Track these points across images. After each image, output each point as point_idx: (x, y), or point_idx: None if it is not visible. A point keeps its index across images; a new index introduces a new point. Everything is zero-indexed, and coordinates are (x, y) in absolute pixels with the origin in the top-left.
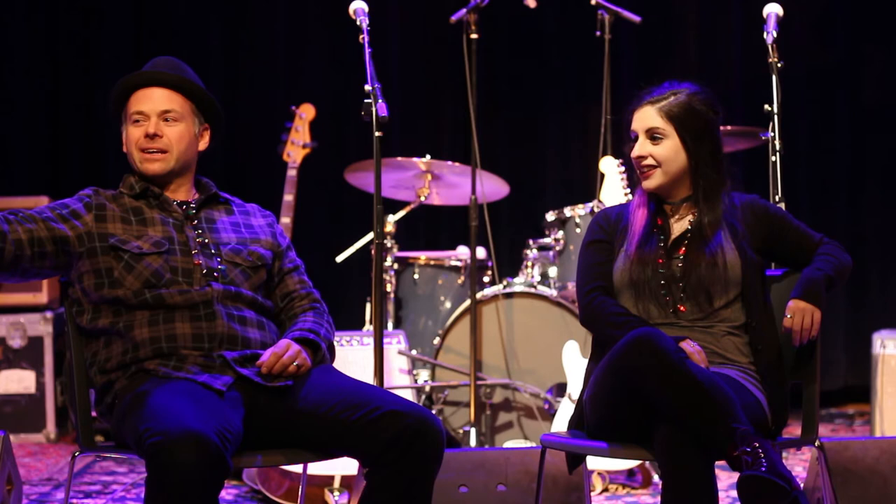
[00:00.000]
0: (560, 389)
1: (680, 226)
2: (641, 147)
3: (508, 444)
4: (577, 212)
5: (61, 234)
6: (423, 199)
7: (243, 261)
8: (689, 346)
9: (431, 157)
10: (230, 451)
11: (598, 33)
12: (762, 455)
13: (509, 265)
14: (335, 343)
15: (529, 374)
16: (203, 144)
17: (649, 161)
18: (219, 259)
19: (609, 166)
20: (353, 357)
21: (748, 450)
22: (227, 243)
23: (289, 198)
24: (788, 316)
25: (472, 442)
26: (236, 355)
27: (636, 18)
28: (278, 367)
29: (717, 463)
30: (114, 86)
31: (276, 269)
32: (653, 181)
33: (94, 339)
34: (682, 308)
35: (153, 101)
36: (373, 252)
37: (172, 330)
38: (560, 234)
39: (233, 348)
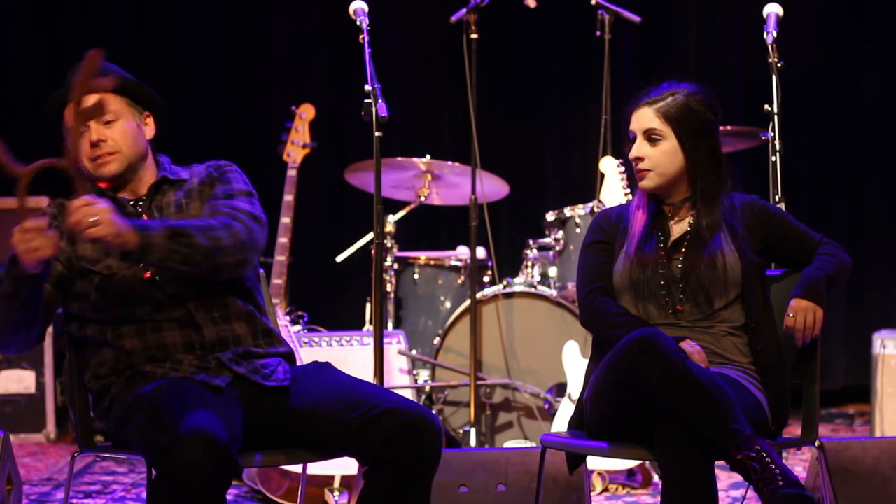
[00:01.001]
0: (560, 389)
1: (679, 227)
2: (638, 148)
3: (508, 444)
4: (577, 212)
5: (57, 273)
6: (423, 199)
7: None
8: (689, 346)
9: (431, 157)
10: (235, 451)
11: (598, 33)
12: (769, 461)
13: (509, 265)
14: (336, 342)
15: (529, 374)
16: (150, 132)
17: (645, 163)
18: None
19: (609, 166)
20: (353, 357)
21: (753, 455)
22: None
23: (289, 198)
24: (790, 315)
25: (472, 442)
26: (230, 355)
27: (636, 18)
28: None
29: (717, 463)
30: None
31: (207, 196)
32: (649, 182)
33: (85, 345)
34: (681, 309)
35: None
36: (373, 252)
37: (162, 339)
38: (560, 234)
39: (225, 349)
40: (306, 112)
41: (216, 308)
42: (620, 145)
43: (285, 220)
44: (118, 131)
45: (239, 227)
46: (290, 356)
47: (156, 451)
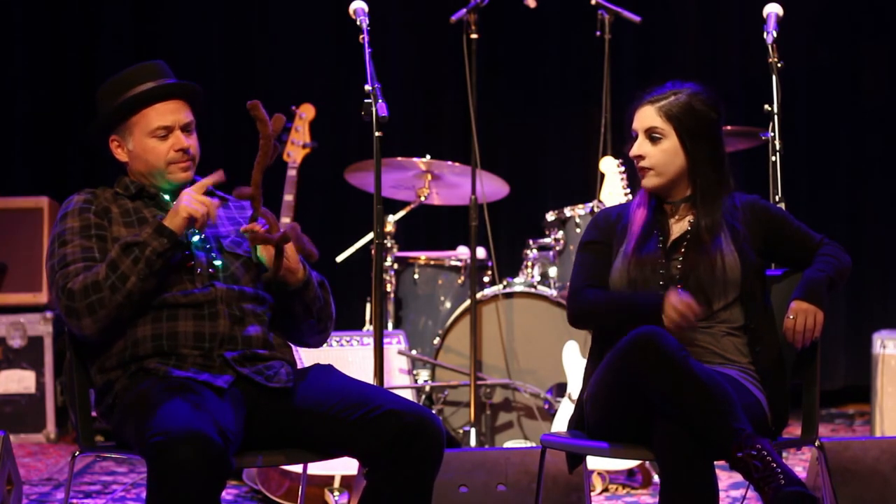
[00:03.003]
0: (560, 389)
1: (679, 227)
2: (639, 147)
3: (508, 444)
4: (577, 212)
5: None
6: (423, 199)
7: (244, 252)
8: (675, 296)
9: (431, 157)
10: (232, 451)
11: (598, 33)
12: (770, 460)
13: (509, 265)
14: (336, 342)
15: (529, 374)
16: None
17: (646, 162)
18: (218, 253)
19: (609, 166)
20: (352, 357)
21: (754, 453)
22: (225, 236)
23: (289, 198)
24: (791, 317)
25: (472, 442)
26: (236, 355)
27: (636, 18)
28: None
29: (717, 462)
30: (111, 91)
31: None
32: (649, 181)
33: None
34: None
35: (176, 114)
36: (373, 252)
37: (175, 328)
38: (560, 234)
39: (233, 348)
40: (306, 112)
41: (237, 308)
42: (621, 145)
43: (285, 220)
44: (194, 142)
45: (329, 292)
46: (292, 362)
47: (150, 451)
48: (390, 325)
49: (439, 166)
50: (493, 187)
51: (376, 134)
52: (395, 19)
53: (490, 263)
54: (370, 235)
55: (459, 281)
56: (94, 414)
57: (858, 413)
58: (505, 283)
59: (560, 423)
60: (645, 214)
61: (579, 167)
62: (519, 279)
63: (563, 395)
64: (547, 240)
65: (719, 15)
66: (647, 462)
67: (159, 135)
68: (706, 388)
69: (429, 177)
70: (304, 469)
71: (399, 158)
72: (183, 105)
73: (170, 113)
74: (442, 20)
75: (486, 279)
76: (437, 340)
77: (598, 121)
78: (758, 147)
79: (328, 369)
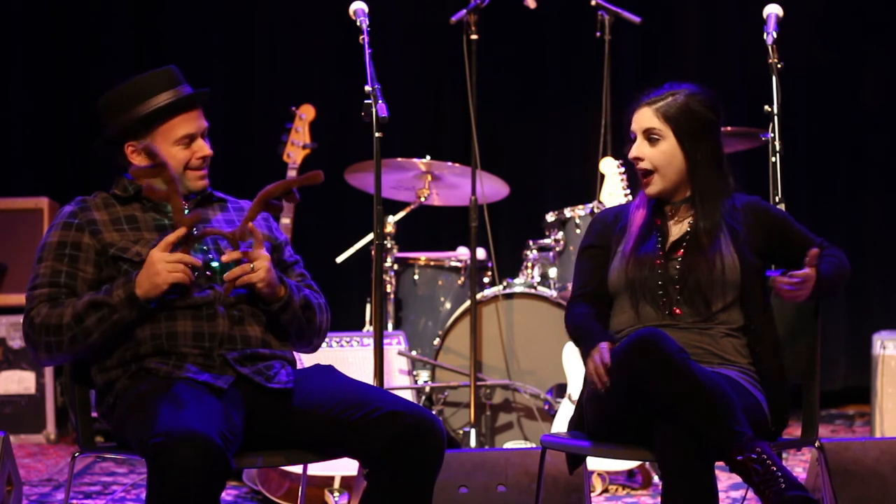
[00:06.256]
0: (560, 390)
1: (678, 228)
2: (638, 148)
3: (508, 445)
4: (577, 213)
5: (95, 275)
6: (423, 199)
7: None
8: (597, 354)
9: (431, 158)
10: (232, 452)
11: (598, 34)
12: (770, 464)
13: (509, 266)
14: (336, 343)
15: (529, 375)
16: None
17: (645, 164)
18: (215, 255)
19: (609, 167)
20: (352, 358)
21: (754, 457)
22: (223, 238)
23: None
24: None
25: (472, 443)
26: (236, 355)
27: (636, 19)
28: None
29: (716, 463)
30: (125, 99)
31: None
32: (653, 188)
33: None
34: (678, 311)
35: (198, 121)
36: (373, 253)
37: (174, 328)
38: (560, 234)
39: (233, 348)
40: (306, 113)
41: (236, 309)
42: (621, 146)
43: (285, 220)
44: (209, 148)
45: (328, 318)
46: (292, 362)
47: (150, 451)
48: (390, 326)
49: (439, 167)
50: (493, 188)
51: (376, 134)
52: (396, 20)
53: (490, 264)
54: (370, 236)
55: (459, 282)
56: (94, 414)
57: (858, 414)
58: (505, 283)
59: (560, 424)
60: (644, 215)
61: (579, 168)
62: (519, 280)
63: (562, 396)
64: (547, 240)
65: (719, 15)
66: (647, 463)
67: (184, 143)
68: (706, 390)
69: (429, 177)
70: (304, 470)
71: (399, 159)
72: (201, 112)
73: (193, 121)
74: (442, 21)
75: (486, 280)
76: (437, 341)
77: (597, 121)
78: (758, 148)
79: (328, 370)
